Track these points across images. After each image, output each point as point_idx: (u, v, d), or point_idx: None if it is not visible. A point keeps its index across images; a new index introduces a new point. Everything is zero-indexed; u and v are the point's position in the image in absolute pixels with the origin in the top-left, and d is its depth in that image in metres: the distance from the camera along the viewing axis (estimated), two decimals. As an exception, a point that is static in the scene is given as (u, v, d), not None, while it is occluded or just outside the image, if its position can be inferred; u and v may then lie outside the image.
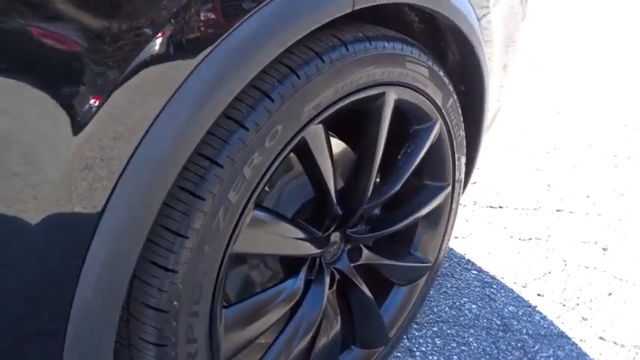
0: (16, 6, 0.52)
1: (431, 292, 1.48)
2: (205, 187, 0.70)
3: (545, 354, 1.32)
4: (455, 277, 1.54)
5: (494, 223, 1.78)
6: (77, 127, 0.57)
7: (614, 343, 1.37)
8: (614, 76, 2.97)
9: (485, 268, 1.58)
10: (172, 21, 0.61)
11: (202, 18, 0.64)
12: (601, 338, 1.38)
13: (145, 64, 0.60)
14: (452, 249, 1.65)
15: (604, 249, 1.69)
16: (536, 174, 2.06)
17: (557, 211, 1.86)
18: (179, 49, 0.62)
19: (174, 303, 0.71)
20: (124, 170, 0.62)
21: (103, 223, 0.62)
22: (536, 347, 1.34)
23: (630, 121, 2.49)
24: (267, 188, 0.94)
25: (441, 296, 1.47)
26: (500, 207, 1.86)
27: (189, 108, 0.64)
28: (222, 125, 0.71)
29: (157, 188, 0.64)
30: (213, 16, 0.65)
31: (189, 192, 0.70)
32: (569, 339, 1.37)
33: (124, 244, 0.64)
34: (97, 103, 0.58)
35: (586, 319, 1.43)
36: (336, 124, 1.00)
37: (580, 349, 1.34)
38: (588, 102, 2.65)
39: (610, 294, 1.52)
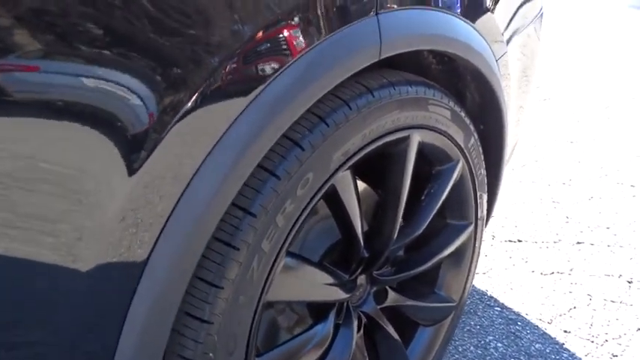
0: (65, 47, 0.53)
1: (455, 331, 1.46)
2: (240, 237, 0.71)
3: (576, 393, 1.29)
4: (478, 315, 1.52)
5: (514, 258, 1.76)
6: (131, 169, 0.58)
7: (647, 380, 1.34)
8: (625, 104, 2.98)
9: (508, 305, 1.56)
10: (217, 72, 0.63)
11: (242, 71, 0.66)
12: (632, 376, 1.35)
13: (190, 112, 0.61)
14: (473, 285, 1.63)
15: (629, 282, 1.67)
16: (553, 206, 2.05)
17: (578, 243, 1.84)
18: (220, 101, 0.64)
19: (210, 354, 0.71)
20: (169, 218, 0.62)
21: (146, 273, 0.62)
22: (567, 386, 1.31)
23: (644, 149, 2.49)
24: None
25: (466, 335, 1.45)
26: (520, 241, 1.85)
27: (230, 159, 0.66)
28: (256, 175, 0.72)
29: (198, 238, 0.65)
30: (252, 70, 0.67)
31: (224, 242, 0.70)
32: (600, 377, 1.34)
33: (166, 295, 0.65)
34: (147, 150, 0.59)
35: (616, 356, 1.40)
36: (359, 166, 1.02)
37: (612, 387, 1.31)
38: (600, 131, 2.66)
39: (639, 329, 1.49)
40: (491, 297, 1.59)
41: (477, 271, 1.68)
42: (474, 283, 1.65)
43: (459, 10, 0.97)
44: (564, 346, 1.43)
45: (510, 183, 2.20)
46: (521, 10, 1.27)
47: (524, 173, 2.28)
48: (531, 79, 1.47)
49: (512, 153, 1.52)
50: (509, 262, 1.74)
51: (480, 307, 1.55)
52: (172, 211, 0.62)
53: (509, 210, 2.02)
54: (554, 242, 1.84)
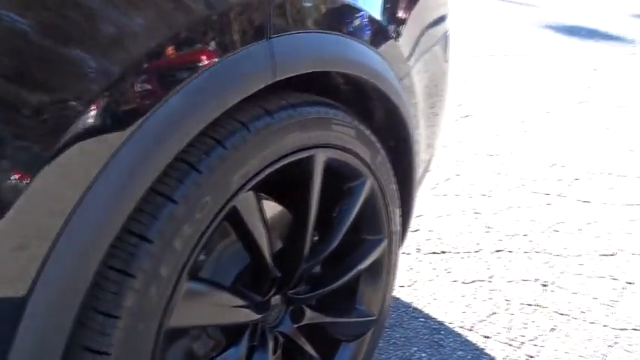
0: None
1: (380, 344, 1.48)
2: (136, 264, 0.70)
3: (495, 397, 1.34)
4: (403, 327, 1.55)
5: (438, 269, 1.82)
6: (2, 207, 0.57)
7: (560, 378, 1.40)
8: (539, 118, 3.16)
9: (432, 315, 1.61)
10: (98, 99, 0.63)
11: (128, 96, 0.66)
12: (547, 375, 1.41)
13: (70, 143, 0.61)
14: (398, 298, 1.67)
15: (544, 285, 1.76)
16: (474, 217, 2.14)
17: (497, 251, 1.93)
18: (103, 127, 0.64)
19: (108, 387, 0.69)
20: (50, 252, 0.61)
21: (29, 308, 0.61)
22: (487, 391, 1.35)
23: (558, 159, 2.64)
24: (203, 256, 0.94)
25: (391, 347, 1.47)
26: (443, 252, 1.91)
27: (115, 186, 0.65)
28: (151, 200, 0.72)
29: (82, 270, 0.64)
30: (141, 90, 0.67)
31: (119, 270, 0.69)
32: (517, 379, 1.40)
33: (50, 331, 0.63)
34: (23, 182, 0.58)
35: (532, 357, 1.47)
36: (272, 187, 1.03)
37: (528, 388, 1.37)
38: (517, 144, 2.80)
39: (553, 329, 1.57)
40: (416, 308, 1.63)
41: (402, 285, 1.73)
42: (399, 296, 1.69)
43: (358, 33, 1.01)
44: (484, 351, 1.48)
45: (434, 197, 2.27)
46: (425, 32, 1.34)
47: (447, 187, 2.36)
48: (442, 96, 1.54)
49: (428, 168, 1.57)
50: (432, 273, 1.80)
51: (405, 319, 1.59)
52: (53, 246, 0.60)
53: (434, 223, 2.08)
54: (476, 252, 1.92)
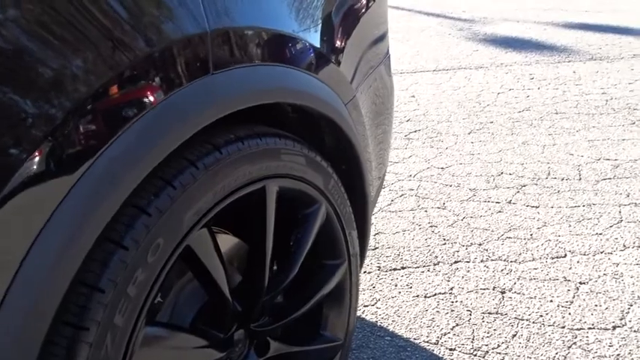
0: None
1: (349, 368, 1.48)
2: (88, 315, 0.68)
3: (465, 409, 1.35)
4: (370, 347, 1.55)
5: (399, 285, 1.83)
6: None
7: (525, 383, 1.43)
8: (485, 129, 3.27)
9: (397, 332, 1.62)
10: (45, 140, 0.61)
11: (72, 140, 0.64)
12: (513, 381, 1.44)
13: (16, 191, 0.59)
14: (363, 318, 1.67)
15: (502, 292, 1.80)
16: (431, 230, 2.18)
17: (455, 262, 1.96)
18: (51, 171, 0.62)
19: None
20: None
21: None
22: (456, 403, 1.37)
23: (504, 168, 2.73)
24: (160, 298, 0.92)
25: (360, 370, 1.47)
26: (403, 267, 1.93)
27: (64, 235, 0.63)
28: (101, 247, 0.70)
29: (32, 329, 0.61)
30: (86, 134, 0.65)
31: (71, 324, 0.67)
32: (485, 388, 1.42)
33: None
34: None
35: (497, 365, 1.49)
36: (228, 221, 1.02)
37: (496, 396, 1.39)
38: (466, 156, 2.89)
39: (514, 335, 1.60)
40: (381, 327, 1.64)
41: (365, 304, 1.73)
42: (363, 316, 1.69)
43: (298, 62, 1.02)
44: (451, 364, 1.50)
45: (391, 213, 2.30)
46: (366, 55, 1.37)
47: (402, 203, 2.40)
48: (389, 113, 1.57)
49: (381, 185, 1.60)
50: (395, 290, 1.81)
51: (371, 339, 1.59)
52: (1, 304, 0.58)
53: (392, 239, 2.11)
54: (434, 264, 1.95)
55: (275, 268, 1.09)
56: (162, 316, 0.90)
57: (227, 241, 1.03)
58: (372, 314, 1.69)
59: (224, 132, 0.88)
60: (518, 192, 2.48)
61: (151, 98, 0.72)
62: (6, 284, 0.59)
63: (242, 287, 1.00)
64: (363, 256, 1.38)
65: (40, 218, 0.62)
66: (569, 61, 4.63)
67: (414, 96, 3.90)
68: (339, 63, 1.18)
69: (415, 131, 3.24)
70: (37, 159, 0.61)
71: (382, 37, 1.48)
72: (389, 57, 1.57)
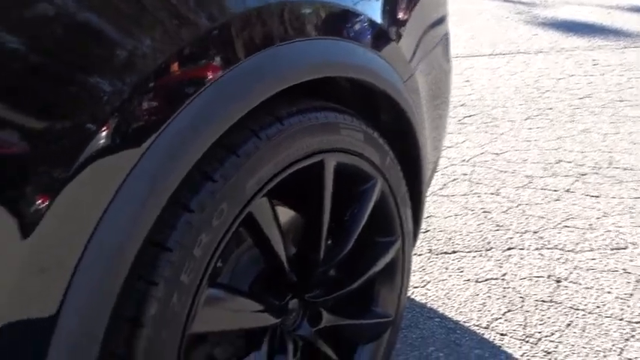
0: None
1: (398, 345, 1.49)
2: (157, 272, 0.71)
3: (515, 393, 1.34)
4: (419, 327, 1.56)
5: (450, 269, 1.82)
6: (26, 230, 0.58)
7: (579, 372, 1.40)
8: (543, 115, 3.17)
9: (447, 314, 1.61)
10: (114, 115, 0.64)
11: (143, 108, 0.68)
12: (565, 369, 1.41)
13: (89, 161, 0.62)
14: (412, 299, 1.67)
15: (557, 281, 1.76)
16: (484, 216, 2.14)
17: (509, 249, 1.93)
18: (121, 143, 0.65)
19: (135, 394, 0.71)
20: (76, 268, 0.63)
21: (59, 327, 0.62)
22: (506, 387, 1.36)
23: (563, 156, 2.64)
24: (220, 263, 0.95)
25: (408, 348, 1.48)
26: (454, 252, 1.92)
27: (137, 200, 0.67)
28: (169, 210, 0.73)
29: (111, 282, 0.65)
30: (154, 106, 0.69)
31: (142, 279, 0.71)
32: (536, 375, 1.40)
33: (81, 345, 0.64)
34: (44, 204, 0.59)
35: (550, 353, 1.47)
36: (287, 194, 1.04)
37: (547, 383, 1.37)
38: (522, 142, 2.81)
39: (569, 325, 1.57)
40: (431, 309, 1.64)
41: (415, 285, 1.73)
42: (413, 297, 1.69)
43: (359, 37, 1.03)
44: (501, 348, 1.48)
45: (443, 197, 2.28)
46: (425, 35, 1.35)
47: (455, 187, 2.37)
48: (446, 97, 1.55)
49: (435, 169, 1.59)
50: (445, 273, 1.80)
51: (421, 319, 1.59)
52: (80, 260, 0.62)
53: (444, 223, 2.09)
54: (487, 250, 1.92)
55: (330, 242, 1.11)
56: (223, 280, 0.94)
57: (284, 214, 1.05)
58: (422, 295, 1.69)
59: (286, 105, 0.90)
60: (577, 180, 2.40)
61: (218, 69, 0.74)
62: (84, 243, 0.63)
63: (297, 258, 1.02)
64: (415, 236, 1.38)
65: (115, 183, 0.65)
66: (635, 47, 4.40)
67: (468, 80, 3.81)
68: (398, 40, 1.18)
69: (469, 116, 3.18)
70: (110, 128, 0.64)
71: (442, 19, 1.46)
72: (448, 39, 1.55)
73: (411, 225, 1.25)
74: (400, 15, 1.22)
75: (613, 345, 1.49)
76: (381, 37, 1.10)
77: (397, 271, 1.25)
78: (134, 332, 0.70)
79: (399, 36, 1.19)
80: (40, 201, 0.59)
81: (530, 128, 2.99)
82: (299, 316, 1.06)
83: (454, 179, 2.44)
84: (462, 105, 3.37)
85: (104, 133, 0.64)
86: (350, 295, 1.16)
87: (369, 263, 1.16)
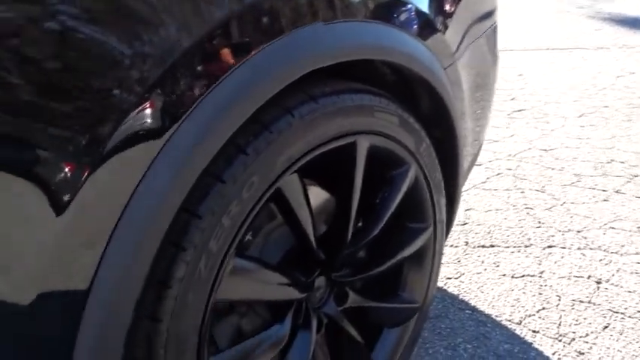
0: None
1: (425, 334, 1.49)
2: (187, 238, 0.75)
3: (542, 390, 1.32)
4: (449, 318, 1.55)
5: (485, 262, 1.80)
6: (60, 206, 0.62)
7: (612, 375, 1.37)
8: (598, 113, 3.05)
9: (479, 307, 1.60)
10: (153, 87, 0.67)
11: (182, 82, 0.71)
12: (598, 371, 1.38)
13: (126, 133, 0.66)
14: (445, 290, 1.67)
15: (597, 282, 1.71)
16: (526, 212, 2.10)
17: (549, 247, 1.89)
18: (159, 115, 0.69)
19: (161, 351, 0.75)
20: (112, 232, 0.67)
21: (94, 290, 0.66)
22: (533, 384, 1.34)
23: (616, 155, 2.54)
24: (250, 237, 0.99)
25: (436, 337, 1.48)
26: (492, 246, 1.89)
27: (173, 168, 0.70)
28: (201, 180, 0.77)
29: (148, 246, 0.69)
30: (193, 79, 0.72)
31: (172, 243, 0.74)
32: (566, 374, 1.37)
33: (119, 304, 0.69)
34: (83, 174, 0.63)
35: (583, 354, 1.43)
36: (320, 174, 1.06)
37: (577, 383, 1.34)
38: (573, 140, 2.72)
39: (606, 327, 1.53)
40: (462, 301, 1.63)
41: (449, 277, 1.72)
42: (445, 287, 1.68)
43: (404, 24, 1.03)
44: (532, 345, 1.46)
45: (484, 191, 2.24)
46: (473, 24, 1.34)
47: (498, 182, 2.33)
48: (490, 89, 1.53)
49: (474, 161, 1.57)
50: (480, 267, 1.78)
51: (451, 310, 1.59)
52: (116, 225, 0.66)
53: (483, 217, 2.06)
54: (526, 247, 1.89)
55: (360, 223, 1.12)
56: (252, 253, 0.97)
57: (316, 193, 1.07)
58: (455, 287, 1.68)
59: (321, 85, 0.91)
60: (629, 182, 2.31)
61: (258, 43, 0.76)
62: (122, 205, 0.67)
63: (326, 237, 1.04)
64: (449, 226, 1.37)
65: (153, 151, 0.68)
66: None
67: (522, 74, 3.71)
68: (444, 29, 1.17)
69: (519, 110, 3.10)
70: (149, 100, 0.67)
71: (490, 12, 1.44)
72: (495, 32, 1.52)
73: (444, 214, 1.25)
74: (447, 5, 1.21)
75: (651, 351, 1.44)
76: (425, 25, 1.09)
77: (427, 258, 1.25)
78: (162, 293, 0.74)
79: (445, 26, 1.18)
80: (78, 172, 0.63)
81: (583, 126, 2.89)
82: (325, 294, 1.08)
83: (498, 174, 2.40)
84: (512, 99, 3.29)
85: (142, 106, 0.67)
86: (378, 278, 1.17)
87: (398, 248, 1.16)
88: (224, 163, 0.78)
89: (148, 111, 0.67)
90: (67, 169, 0.62)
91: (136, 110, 0.66)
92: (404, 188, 1.12)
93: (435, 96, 1.14)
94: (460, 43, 1.24)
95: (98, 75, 0.64)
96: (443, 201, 1.23)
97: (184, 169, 0.71)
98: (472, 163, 1.55)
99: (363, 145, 0.99)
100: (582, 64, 3.89)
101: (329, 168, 1.03)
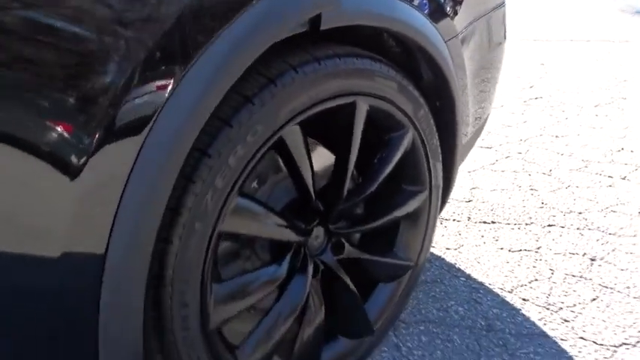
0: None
1: (420, 296, 1.58)
2: (196, 173, 0.85)
3: (525, 350, 1.41)
4: (444, 284, 1.64)
5: (485, 237, 1.88)
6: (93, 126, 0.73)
7: (594, 342, 1.44)
8: (615, 104, 3.06)
9: (473, 276, 1.68)
10: (159, 38, 0.76)
11: (192, 25, 0.79)
12: (581, 338, 1.46)
13: (141, 77, 0.75)
14: (442, 259, 1.75)
15: (592, 259, 1.77)
16: (531, 193, 2.16)
17: (549, 225, 1.95)
18: (166, 64, 0.78)
19: (169, 271, 0.86)
20: (133, 167, 0.77)
21: (119, 219, 0.77)
22: (518, 345, 1.42)
23: (627, 145, 2.57)
24: (257, 185, 1.09)
25: (430, 300, 1.57)
26: (493, 222, 1.97)
27: (185, 110, 0.80)
28: (212, 124, 0.87)
29: (167, 179, 0.79)
30: (201, 24, 0.80)
31: (184, 177, 0.85)
32: (550, 338, 1.45)
33: (142, 230, 0.79)
34: (108, 113, 0.73)
35: (568, 321, 1.51)
36: (323, 134, 1.16)
37: (560, 346, 1.42)
38: (586, 128, 2.75)
39: (594, 299, 1.60)
40: (459, 269, 1.71)
41: (448, 247, 1.81)
42: (443, 257, 1.77)
43: (405, -5, 1.11)
44: (520, 311, 1.54)
45: (492, 172, 2.31)
46: (478, 2, 1.41)
47: (507, 164, 2.39)
48: (495, 66, 1.59)
49: (479, 131, 1.64)
50: (480, 240, 1.86)
51: (447, 277, 1.67)
52: (137, 160, 0.76)
53: (488, 195, 2.13)
54: (526, 224, 1.96)
55: (360, 180, 1.22)
56: (258, 198, 1.07)
57: (320, 153, 1.17)
58: (453, 257, 1.77)
59: (326, 48, 1.01)
60: (636, 170, 2.35)
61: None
62: (141, 143, 0.77)
63: (325, 191, 1.14)
64: (446, 194, 1.46)
65: (162, 97, 0.78)
66: None
67: (543, 64, 3.73)
68: (446, 3, 1.24)
69: (536, 98, 3.13)
70: (158, 53, 0.76)
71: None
72: (503, 12, 1.58)
73: (440, 179, 1.33)
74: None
75: (634, 322, 1.51)
76: (427, -3, 1.17)
77: (422, 221, 1.33)
78: (174, 220, 0.85)
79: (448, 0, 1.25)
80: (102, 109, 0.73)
81: (598, 115, 2.91)
82: (323, 243, 1.18)
83: (507, 156, 2.46)
84: (531, 87, 3.32)
85: (153, 54, 0.76)
86: (375, 234, 1.26)
87: (393, 207, 1.26)
88: (232, 111, 0.88)
89: (160, 58, 0.77)
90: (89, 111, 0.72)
91: (147, 59, 0.75)
92: (401, 151, 1.20)
93: (434, 67, 1.22)
94: (463, 19, 1.32)
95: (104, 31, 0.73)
96: (439, 167, 1.32)
97: (192, 113, 0.80)
98: (474, 140, 1.63)
99: (362, 106, 1.08)
100: (606, 56, 3.89)
101: (331, 128, 1.12)
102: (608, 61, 3.78)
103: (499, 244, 1.84)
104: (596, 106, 3.02)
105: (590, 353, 1.41)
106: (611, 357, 1.40)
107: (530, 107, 3.01)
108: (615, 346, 1.43)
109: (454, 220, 1.97)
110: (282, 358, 1.16)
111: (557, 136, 2.66)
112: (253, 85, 0.90)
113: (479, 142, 2.60)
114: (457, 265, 1.73)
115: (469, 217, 1.99)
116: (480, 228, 1.93)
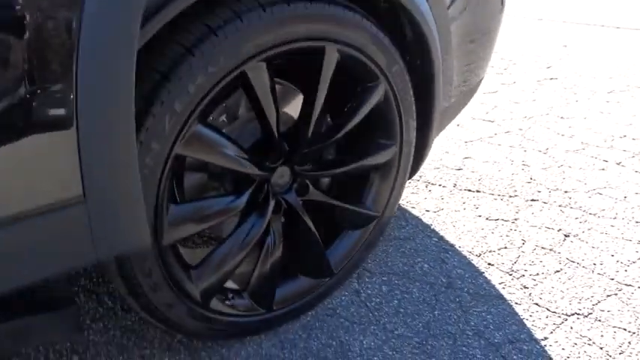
0: None
1: (390, 250, 1.64)
2: (156, 95, 0.92)
3: (479, 309, 1.46)
4: (415, 242, 1.70)
5: (467, 204, 1.92)
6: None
7: (547, 309, 1.49)
8: (629, 91, 3.01)
9: (446, 238, 1.73)
10: None
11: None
12: (536, 304, 1.50)
13: None
14: (419, 219, 1.80)
15: (566, 235, 1.80)
16: (522, 168, 2.18)
17: (532, 200, 1.98)
18: None
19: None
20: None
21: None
22: (473, 303, 1.48)
23: (631, 132, 2.55)
24: (225, 119, 1.15)
25: (398, 254, 1.63)
26: (478, 191, 2.00)
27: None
28: (175, 49, 0.93)
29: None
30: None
31: (143, 97, 0.91)
32: (506, 301, 1.50)
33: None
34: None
35: (527, 288, 1.56)
36: (295, 77, 1.20)
37: (512, 309, 1.47)
38: (594, 112, 2.72)
39: (558, 271, 1.63)
40: (433, 230, 1.76)
41: (427, 209, 1.85)
42: (421, 217, 1.82)
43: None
44: (483, 274, 1.59)
45: (488, 145, 2.33)
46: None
47: (505, 138, 2.40)
48: (487, 34, 1.60)
49: (464, 102, 1.66)
50: (460, 206, 1.90)
51: (420, 236, 1.73)
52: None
53: (479, 166, 2.16)
54: (510, 197, 1.98)
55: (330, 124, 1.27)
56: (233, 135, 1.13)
57: (288, 91, 1.22)
58: (430, 218, 1.82)
59: (297, -9, 1.04)
60: (633, 157, 2.34)
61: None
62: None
63: (291, 132, 1.19)
64: (421, 154, 1.49)
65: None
66: None
67: (566, 46, 3.66)
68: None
69: (551, 79, 3.10)
70: None
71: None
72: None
73: (413, 136, 1.37)
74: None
75: (592, 296, 1.55)
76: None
77: (391, 174, 1.38)
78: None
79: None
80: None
81: (609, 101, 2.87)
82: (288, 183, 1.24)
83: (507, 131, 2.46)
84: (548, 67, 3.28)
85: None
86: (344, 181, 1.32)
87: (361, 156, 1.30)
88: (196, 39, 0.93)
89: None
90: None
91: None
92: (372, 102, 1.25)
93: (414, 25, 1.24)
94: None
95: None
96: (412, 123, 1.35)
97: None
98: (461, 105, 1.65)
99: (332, 52, 1.12)
100: (632, 44, 3.79)
101: (302, 71, 1.17)
102: (633, 49, 3.68)
103: (478, 212, 1.88)
104: (609, 92, 2.98)
105: (540, 318, 1.46)
106: (560, 324, 1.45)
107: (543, 87, 2.98)
108: (567, 315, 1.48)
109: (440, 185, 2.01)
110: (239, 286, 1.24)
111: (562, 117, 2.64)
112: (220, 18, 0.95)
113: (482, 114, 2.61)
114: (432, 227, 1.78)
115: (455, 184, 2.02)
116: (463, 195, 1.97)
